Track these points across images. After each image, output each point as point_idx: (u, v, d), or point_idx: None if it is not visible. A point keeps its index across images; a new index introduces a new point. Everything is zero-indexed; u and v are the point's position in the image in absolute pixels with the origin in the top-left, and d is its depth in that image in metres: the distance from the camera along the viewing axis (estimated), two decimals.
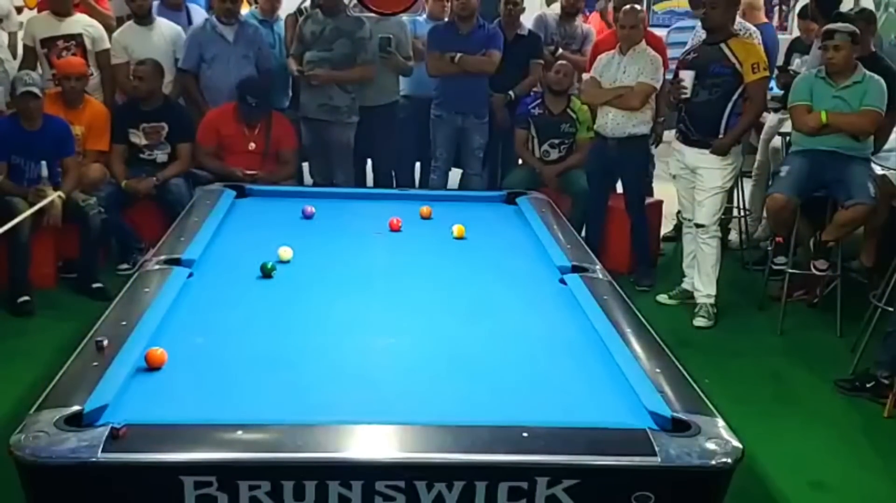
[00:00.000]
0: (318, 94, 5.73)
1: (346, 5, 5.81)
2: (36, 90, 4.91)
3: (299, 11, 6.22)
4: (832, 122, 4.69)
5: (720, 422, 2.33)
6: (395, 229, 4.04)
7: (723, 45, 4.85)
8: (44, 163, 4.98)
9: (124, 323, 2.81)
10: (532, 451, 2.18)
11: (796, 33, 7.22)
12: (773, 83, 5.72)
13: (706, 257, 4.98)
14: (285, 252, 3.53)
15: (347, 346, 2.81)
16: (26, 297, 4.83)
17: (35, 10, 6.37)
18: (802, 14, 6.48)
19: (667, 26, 7.12)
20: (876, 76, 4.72)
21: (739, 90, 4.82)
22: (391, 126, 6.12)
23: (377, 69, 5.91)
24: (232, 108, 5.64)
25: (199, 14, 6.49)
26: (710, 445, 2.21)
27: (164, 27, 5.93)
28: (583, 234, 5.32)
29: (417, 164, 6.57)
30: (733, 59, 4.80)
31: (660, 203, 6.02)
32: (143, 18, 5.85)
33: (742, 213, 6.11)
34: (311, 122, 5.84)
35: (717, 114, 4.86)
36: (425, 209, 4.29)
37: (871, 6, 6.91)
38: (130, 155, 5.56)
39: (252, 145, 5.63)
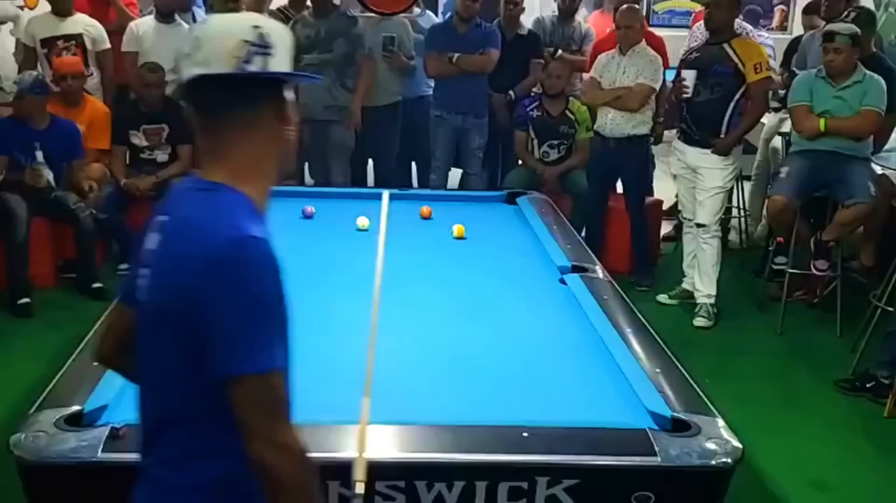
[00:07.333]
0: (323, 95, 5.69)
1: (338, 5, 5.78)
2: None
3: (279, 12, 6.19)
4: (831, 128, 4.67)
5: (720, 422, 2.33)
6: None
7: (725, 45, 4.84)
8: (38, 144, 4.99)
9: None
10: (532, 451, 2.18)
11: (797, 32, 7.22)
12: None
13: (706, 257, 4.98)
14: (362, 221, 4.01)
15: (347, 346, 2.80)
16: (26, 300, 4.82)
17: (35, 10, 6.37)
18: (808, 10, 6.48)
19: (667, 26, 7.11)
20: (876, 76, 4.71)
21: (741, 90, 4.81)
22: (394, 126, 6.12)
23: (380, 70, 5.91)
24: None
25: (201, 16, 6.48)
26: (711, 445, 2.21)
27: (186, 31, 5.91)
28: (583, 234, 5.32)
29: (414, 165, 6.57)
30: (735, 59, 4.79)
31: (660, 203, 6.02)
32: (167, 17, 5.83)
33: (742, 214, 6.11)
34: (313, 123, 5.81)
35: (718, 113, 4.86)
36: (425, 209, 4.29)
37: (871, 6, 6.90)
38: (131, 156, 5.56)
39: None
